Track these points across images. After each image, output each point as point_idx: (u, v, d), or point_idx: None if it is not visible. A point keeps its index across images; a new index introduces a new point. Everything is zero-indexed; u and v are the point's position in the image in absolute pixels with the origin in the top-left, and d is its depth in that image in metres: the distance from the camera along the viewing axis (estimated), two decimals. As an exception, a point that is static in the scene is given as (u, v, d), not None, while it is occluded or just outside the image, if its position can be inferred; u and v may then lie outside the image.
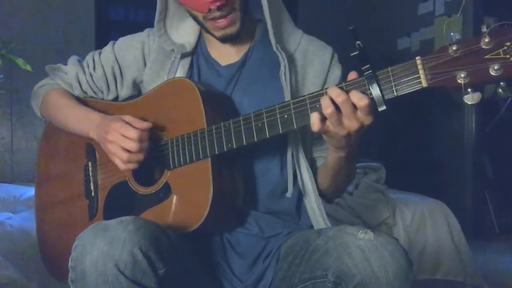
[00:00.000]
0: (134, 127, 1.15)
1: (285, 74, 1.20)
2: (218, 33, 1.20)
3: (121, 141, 1.14)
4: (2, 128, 3.25)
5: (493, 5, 3.67)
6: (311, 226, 1.23)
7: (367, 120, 0.96)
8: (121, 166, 1.17)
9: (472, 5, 3.53)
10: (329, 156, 1.15)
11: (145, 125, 1.16)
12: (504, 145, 3.93)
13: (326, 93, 0.96)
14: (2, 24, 3.20)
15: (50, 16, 3.34)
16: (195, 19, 1.23)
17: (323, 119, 0.97)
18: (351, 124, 0.96)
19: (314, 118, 0.96)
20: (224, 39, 1.21)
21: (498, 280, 2.72)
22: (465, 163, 3.69)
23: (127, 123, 1.17)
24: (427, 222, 2.42)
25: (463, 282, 2.39)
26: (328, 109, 0.95)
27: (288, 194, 1.21)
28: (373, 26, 4.13)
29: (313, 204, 1.21)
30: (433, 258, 2.37)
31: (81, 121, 1.28)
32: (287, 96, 1.18)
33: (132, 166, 1.17)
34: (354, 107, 0.94)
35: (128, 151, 1.14)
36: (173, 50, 1.29)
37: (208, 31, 1.23)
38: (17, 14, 3.25)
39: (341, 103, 0.94)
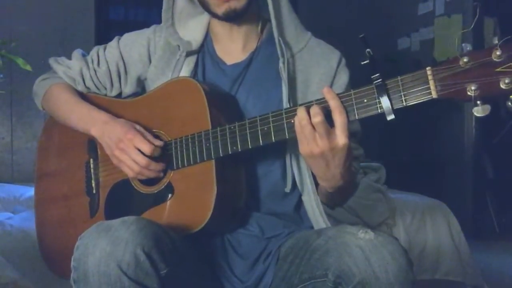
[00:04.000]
0: (148, 141, 1.15)
1: (284, 70, 1.19)
2: (222, 9, 1.17)
3: (134, 154, 1.14)
4: (2, 128, 3.24)
5: (493, 5, 3.67)
6: (312, 227, 1.23)
7: (342, 140, 0.96)
8: (131, 174, 1.18)
9: (472, 5, 3.53)
10: (321, 190, 1.16)
11: (158, 143, 1.16)
12: (504, 145, 3.93)
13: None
14: (2, 24, 3.19)
15: (50, 16, 3.33)
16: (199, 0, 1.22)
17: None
18: (323, 143, 0.97)
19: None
20: (227, 15, 1.18)
21: (498, 280, 2.71)
22: (465, 163, 3.69)
23: (139, 132, 1.17)
24: (427, 222, 2.41)
25: (463, 282, 2.39)
26: (303, 118, 0.97)
27: (287, 189, 1.21)
28: (373, 26, 4.13)
29: (312, 202, 1.21)
30: (433, 258, 2.36)
31: (83, 118, 1.27)
32: (286, 91, 1.18)
33: (141, 177, 1.18)
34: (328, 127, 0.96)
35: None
36: (178, 46, 1.28)
37: (211, 12, 1.20)
38: (17, 14, 3.25)
39: (316, 123, 0.96)
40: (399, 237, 2.27)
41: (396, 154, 4.06)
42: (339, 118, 0.96)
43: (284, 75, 1.19)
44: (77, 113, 1.29)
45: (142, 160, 1.14)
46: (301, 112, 0.98)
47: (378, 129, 3.89)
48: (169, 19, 1.29)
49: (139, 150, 1.14)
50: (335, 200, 1.22)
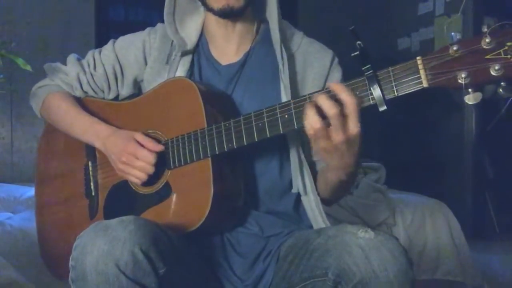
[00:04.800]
0: (149, 149, 1.17)
1: (284, 73, 1.20)
2: (219, 4, 1.17)
3: (138, 165, 1.16)
4: (2, 128, 3.24)
5: (493, 5, 3.67)
6: (311, 227, 1.23)
7: (354, 128, 0.95)
8: (138, 183, 1.19)
9: (472, 5, 3.53)
10: (328, 175, 1.16)
11: (159, 147, 1.17)
12: (504, 145, 3.93)
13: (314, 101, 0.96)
14: (2, 24, 3.20)
15: (50, 16, 3.33)
16: None
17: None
18: (337, 136, 0.96)
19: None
20: (223, 11, 1.18)
21: (498, 280, 2.71)
22: (465, 163, 3.68)
23: (140, 143, 1.18)
24: (427, 222, 2.42)
25: (463, 282, 2.39)
26: (316, 121, 0.95)
27: (294, 189, 1.21)
28: (373, 26, 4.13)
29: (312, 203, 1.22)
30: (433, 258, 2.37)
31: (86, 132, 1.28)
32: (287, 95, 1.18)
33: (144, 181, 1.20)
34: (343, 117, 0.95)
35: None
36: (172, 44, 1.28)
37: (208, 6, 1.20)
38: (17, 14, 3.25)
39: (331, 115, 0.94)
40: (399, 237, 2.27)
41: (396, 154, 4.06)
42: (351, 107, 0.94)
43: (283, 76, 1.19)
44: (79, 125, 1.30)
45: (150, 169, 1.16)
46: (313, 117, 0.95)
47: (378, 129, 3.89)
48: (171, 7, 1.28)
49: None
50: (342, 187, 1.20)
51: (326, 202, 1.29)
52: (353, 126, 0.95)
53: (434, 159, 3.92)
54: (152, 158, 1.16)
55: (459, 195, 3.63)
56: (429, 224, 2.41)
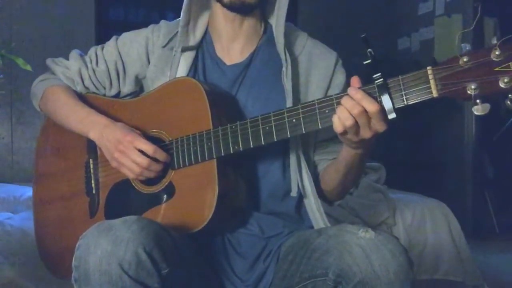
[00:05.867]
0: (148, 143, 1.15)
1: (286, 76, 1.20)
2: None
3: (135, 155, 1.14)
4: (2, 128, 3.24)
5: (493, 5, 3.67)
6: (313, 227, 1.23)
7: (381, 127, 0.98)
8: (131, 176, 1.18)
9: (472, 5, 3.53)
10: (344, 153, 1.15)
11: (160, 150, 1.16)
12: (504, 145, 3.93)
13: (341, 103, 0.97)
14: (2, 24, 3.20)
15: (50, 16, 3.34)
16: None
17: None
18: (365, 133, 0.99)
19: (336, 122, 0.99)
20: (233, 4, 1.17)
21: (498, 280, 2.72)
22: (465, 163, 3.69)
23: (139, 134, 1.17)
24: (427, 222, 2.42)
25: (463, 282, 2.39)
26: (348, 121, 0.97)
27: (293, 193, 1.22)
28: (373, 26, 4.14)
29: (312, 205, 1.22)
30: (433, 258, 2.37)
31: (82, 121, 1.26)
32: (289, 98, 1.18)
33: (141, 178, 1.18)
34: (369, 116, 0.96)
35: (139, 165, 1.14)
36: (173, 38, 1.27)
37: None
38: (17, 14, 3.26)
39: (356, 115, 0.96)
40: (399, 237, 2.27)
41: (396, 154, 4.06)
42: (371, 111, 0.96)
43: (285, 80, 1.19)
44: (75, 116, 1.27)
45: (143, 161, 1.14)
46: (344, 113, 0.97)
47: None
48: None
49: (140, 151, 1.14)
50: (356, 167, 1.19)
51: (330, 199, 1.29)
52: (379, 126, 0.97)
53: (434, 159, 3.93)
54: (150, 148, 1.13)
55: (459, 195, 3.64)
56: (429, 224, 2.41)
